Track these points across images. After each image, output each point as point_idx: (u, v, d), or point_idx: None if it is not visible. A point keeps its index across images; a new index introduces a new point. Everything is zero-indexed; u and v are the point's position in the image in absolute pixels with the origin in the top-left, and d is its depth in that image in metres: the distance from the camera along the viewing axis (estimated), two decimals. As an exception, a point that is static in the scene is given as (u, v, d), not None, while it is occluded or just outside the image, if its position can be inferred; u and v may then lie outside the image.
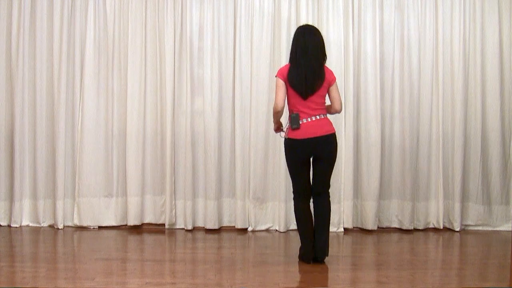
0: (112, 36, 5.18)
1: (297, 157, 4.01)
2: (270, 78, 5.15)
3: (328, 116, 4.08)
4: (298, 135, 3.95)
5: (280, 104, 3.97)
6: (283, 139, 4.10)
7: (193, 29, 5.20)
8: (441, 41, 5.21)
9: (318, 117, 3.98)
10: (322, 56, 4.02)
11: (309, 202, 4.12)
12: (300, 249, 4.14)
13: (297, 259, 4.14)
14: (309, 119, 3.97)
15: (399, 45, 5.22)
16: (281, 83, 3.98)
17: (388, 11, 5.22)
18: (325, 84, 3.99)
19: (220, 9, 5.19)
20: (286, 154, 4.08)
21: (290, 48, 5.14)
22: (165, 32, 5.14)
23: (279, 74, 4.00)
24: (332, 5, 5.17)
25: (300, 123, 3.95)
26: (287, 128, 4.04)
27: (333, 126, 4.05)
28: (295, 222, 5.07)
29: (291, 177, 4.11)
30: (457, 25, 5.20)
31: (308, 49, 3.97)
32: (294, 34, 4.08)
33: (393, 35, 5.22)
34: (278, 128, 4.18)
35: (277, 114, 4.04)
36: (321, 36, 4.06)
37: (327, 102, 4.09)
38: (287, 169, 4.15)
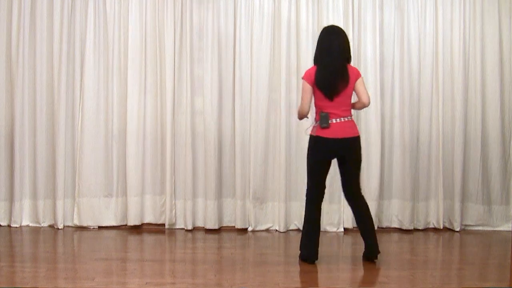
0: (112, 36, 5.18)
1: (322, 156, 4.02)
2: (270, 78, 5.15)
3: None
4: (328, 134, 3.96)
5: (306, 109, 4.01)
6: (308, 136, 4.08)
7: (193, 29, 5.20)
8: (441, 41, 5.21)
9: (346, 118, 4.00)
10: (346, 56, 4.02)
11: (321, 204, 4.11)
12: (302, 249, 4.13)
13: (297, 259, 4.13)
14: (338, 120, 3.98)
15: (399, 45, 5.22)
16: (308, 87, 3.98)
17: (388, 11, 5.22)
18: (350, 84, 3.98)
19: (220, 9, 5.18)
20: (310, 152, 4.06)
21: (289, 48, 5.16)
22: (165, 32, 5.14)
23: (306, 77, 4.00)
24: (332, 5, 5.17)
25: (330, 122, 3.96)
26: (314, 126, 4.04)
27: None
28: (295, 222, 5.14)
29: (309, 176, 4.09)
30: (457, 25, 5.20)
31: (331, 49, 3.97)
32: (320, 35, 4.09)
33: (393, 35, 5.22)
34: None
35: (301, 116, 4.08)
36: (346, 36, 4.06)
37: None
38: (307, 168, 4.11)
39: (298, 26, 5.11)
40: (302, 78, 4.03)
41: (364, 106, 4.07)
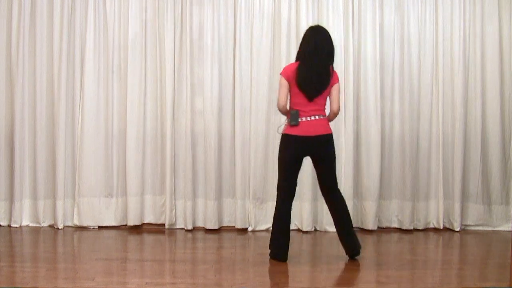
0: (112, 36, 5.18)
1: (291, 154, 4.03)
2: (270, 78, 5.15)
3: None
4: (296, 131, 3.98)
5: (282, 103, 4.00)
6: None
7: (193, 29, 5.19)
8: (441, 41, 5.21)
9: (317, 117, 4.01)
10: (332, 58, 4.05)
11: (292, 202, 4.12)
12: (272, 247, 4.11)
13: (298, 259, 4.13)
14: (308, 118, 3.99)
15: (399, 45, 5.22)
16: (285, 83, 3.99)
17: (388, 11, 5.22)
18: (329, 87, 4.02)
19: (220, 9, 5.18)
20: (280, 150, 4.09)
21: (289, 48, 5.15)
22: (165, 32, 5.14)
23: (283, 73, 4.02)
24: (332, 5, 5.17)
25: (299, 120, 3.97)
26: (285, 125, 4.06)
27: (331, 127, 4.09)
28: (295, 223, 5.13)
29: (280, 173, 4.11)
30: (457, 25, 5.20)
31: (319, 50, 3.99)
32: (305, 34, 4.10)
33: (393, 36, 5.22)
34: None
35: (282, 111, 4.08)
36: (331, 39, 4.09)
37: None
38: (278, 165, 4.13)
39: (298, 26, 5.11)
40: (280, 73, 4.04)
41: (335, 114, 4.08)
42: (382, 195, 5.23)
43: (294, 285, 3.64)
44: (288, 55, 5.10)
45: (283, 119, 4.22)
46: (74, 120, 5.18)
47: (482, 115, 5.24)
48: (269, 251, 4.15)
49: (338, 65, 5.10)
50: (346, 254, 4.14)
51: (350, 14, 5.17)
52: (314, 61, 3.97)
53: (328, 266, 4.06)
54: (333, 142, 4.08)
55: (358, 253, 4.12)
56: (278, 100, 4.02)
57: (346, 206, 4.13)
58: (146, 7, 5.16)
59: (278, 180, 4.13)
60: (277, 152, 5.08)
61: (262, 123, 5.15)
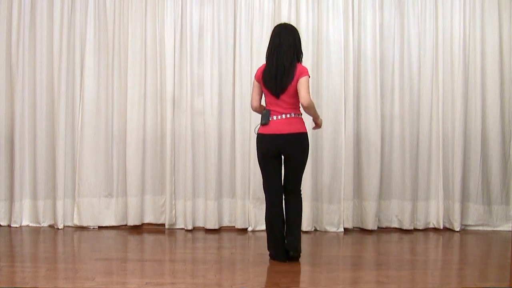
0: (112, 36, 5.18)
1: (263, 152, 4.07)
2: (270, 78, 5.15)
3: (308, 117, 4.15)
4: (265, 130, 4.03)
5: (253, 104, 4.13)
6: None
7: (193, 29, 5.20)
8: (441, 41, 5.21)
9: (288, 115, 4.00)
10: (296, 54, 4.03)
11: (281, 200, 4.11)
12: (270, 249, 4.12)
13: (296, 260, 4.13)
14: (279, 117, 4.00)
15: (399, 45, 5.22)
16: (255, 83, 4.11)
17: (388, 11, 5.23)
18: (294, 83, 3.96)
19: (220, 9, 5.19)
20: (257, 150, 4.13)
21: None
22: (165, 32, 5.14)
23: (255, 75, 4.11)
24: (332, 5, 5.17)
25: (270, 119, 4.00)
26: (258, 125, 4.11)
27: (305, 126, 4.07)
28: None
29: (262, 174, 4.14)
30: (457, 25, 5.20)
31: (281, 47, 4.00)
32: (272, 33, 4.14)
33: (393, 35, 5.22)
34: None
35: (256, 112, 4.17)
36: (297, 34, 4.11)
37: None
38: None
39: (298, 26, 5.10)
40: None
41: (306, 108, 3.97)
42: (382, 195, 5.23)
43: (294, 285, 3.64)
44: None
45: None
46: (74, 120, 5.18)
47: (482, 115, 5.24)
48: (270, 254, 4.14)
49: (338, 64, 5.13)
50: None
51: (350, 14, 5.17)
52: (276, 58, 3.99)
53: (328, 266, 4.06)
54: (305, 142, 4.04)
55: (294, 255, 4.06)
56: (250, 101, 4.15)
57: (300, 210, 4.10)
58: (146, 7, 5.16)
59: (262, 181, 4.17)
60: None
61: (262, 123, 5.16)
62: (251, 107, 4.16)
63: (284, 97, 3.98)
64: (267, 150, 4.04)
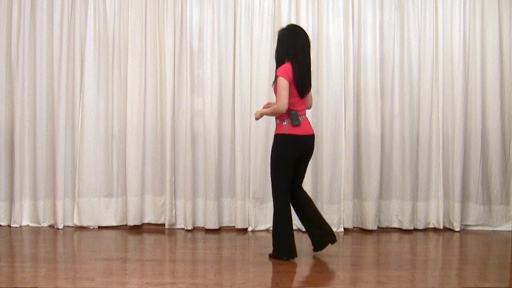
0: (112, 36, 5.18)
1: (295, 154, 4.07)
2: (270, 78, 5.13)
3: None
4: (299, 131, 4.04)
5: (286, 106, 3.99)
6: (276, 135, 4.11)
7: (193, 29, 5.20)
8: (441, 41, 5.21)
9: (306, 116, 4.14)
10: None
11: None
12: (287, 250, 4.12)
13: (297, 259, 4.13)
14: (303, 117, 4.10)
15: (399, 45, 5.22)
16: (287, 84, 3.99)
17: (388, 11, 5.23)
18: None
19: (220, 9, 5.19)
20: (282, 151, 4.07)
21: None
22: (165, 32, 5.14)
23: (284, 74, 3.99)
24: (332, 5, 5.17)
25: (300, 119, 4.05)
26: (283, 124, 4.06)
27: None
28: (295, 222, 5.07)
29: (280, 175, 4.09)
30: (457, 25, 5.20)
31: (305, 48, 4.07)
32: (291, 32, 4.12)
33: (393, 35, 5.22)
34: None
35: (279, 114, 4.08)
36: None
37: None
38: (274, 167, 4.12)
39: (298, 26, 5.11)
40: (279, 75, 4.00)
41: (307, 109, 4.24)
42: (382, 195, 5.23)
43: (294, 285, 3.64)
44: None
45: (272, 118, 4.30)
46: (74, 120, 5.18)
47: (482, 115, 5.24)
48: (281, 255, 4.13)
49: (338, 64, 5.13)
50: (316, 245, 4.26)
51: (350, 14, 5.17)
52: (304, 59, 4.04)
53: (328, 266, 4.06)
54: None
55: (333, 241, 4.23)
56: (283, 104, 3.96)
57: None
58: (146, 7, 5.16)
59: (277, 183, 4.11)
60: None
61: (262, 123, 5.15)
62: (283, 110, 3.99)
63: (305, 97, 4.10)
64: (301, 151, 4.08)
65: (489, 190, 5.29)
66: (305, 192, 4.27)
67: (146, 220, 5.23)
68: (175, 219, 5.22)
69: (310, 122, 4.28)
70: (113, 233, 5.07)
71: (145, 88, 5.18)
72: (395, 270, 3.92)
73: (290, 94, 4.00)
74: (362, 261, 4.24)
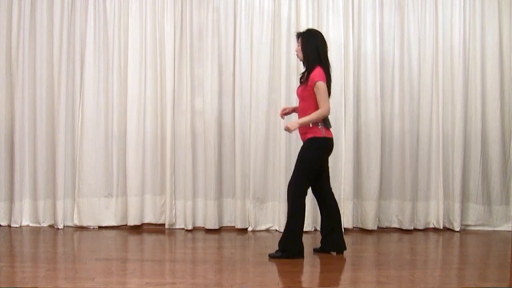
0: (112, 36, 5.18)
1: (327, 156, 4.22)
2: (270, 78, 5.16)
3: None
4: (331, 133, 4.19)
5: (330, 110, 4.09)
6: (312, 138, 4.09)
7: (193, 29, 5.20)
8: (441, 41, 5.21)
9: None
10: None
11: None
12: (296, 247, 4.14)
13: (297, 259, 4.12)
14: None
15: (399, 45, 5.22)
16: (326, 87, 4.07)
17: (388, 11, 5.23)
18: None
19: (220, 9, 5.19)
20: (320, 154, 4.14)
21: (289, 48, 5.13)
22: (165, 32, 5.14)
23: (322, 79, 4.06)
24: (332, 5, 5.17)
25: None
26: (318, 128, 4.08)
27: None
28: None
29: (308, 177, 4.13)
30: (457, 25, 5.21)
31: (327, 54, 4.17)
32: (317, 36, 4.19)
33: (393, 35, 5.23)
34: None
35: (322, 119, 4.09)
36: None
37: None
38: (307, 168, 4.11)
39: (298, 26, 5.10)
40: (319, 80, 4.03)
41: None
42: (382, 195, 5.23)
43: (294, 285, 3.64)
44: (288, 55, 5.10)
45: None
46: (74, 120, 5.18)
47: (482, 115, 5.24)
48: (292, 254, 4.14)
49: (338, 64, 5.12)
50: (328, 248, 4.33)
51: (350, 14, 5.17)
52: (329, 64, 4.16)
53: (328, 266, 4.06)
54: None
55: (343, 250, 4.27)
56: (327, 107, 4.03)
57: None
58: (146, 7, 5.16)
59: (302, 184, 4.12)
60: (278, 152, 5.10)
61: (262, 123, 5.16)
62: (328, 113, 4.07)
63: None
64: (331, 152, 4.20)
65: (489, 190, 5.30)
66: (334, 198, 4.31)
67: (146, 220, 5.23)
68: (175, 219, 5.21)
69: None
70: (113, 233, 5.06)
71: (145, 88, 5.18)
72: (395, 270, 3.92)
73: None
74: (362, 261, 4.24)
